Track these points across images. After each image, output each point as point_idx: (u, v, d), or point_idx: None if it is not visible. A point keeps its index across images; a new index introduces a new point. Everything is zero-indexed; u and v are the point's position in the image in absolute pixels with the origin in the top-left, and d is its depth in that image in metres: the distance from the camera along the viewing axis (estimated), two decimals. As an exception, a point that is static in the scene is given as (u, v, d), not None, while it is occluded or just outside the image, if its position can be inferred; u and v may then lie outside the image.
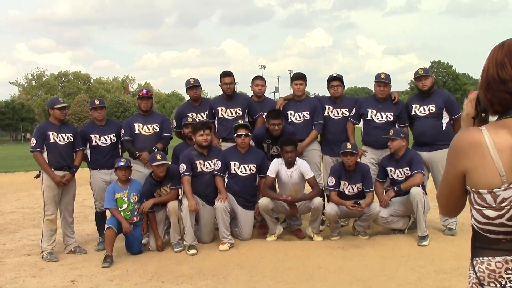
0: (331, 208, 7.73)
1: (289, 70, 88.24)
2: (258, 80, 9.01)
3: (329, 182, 7.93)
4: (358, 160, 8.02)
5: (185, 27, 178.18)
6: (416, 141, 8.23)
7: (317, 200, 7.81)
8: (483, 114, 2.17)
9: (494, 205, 1.98)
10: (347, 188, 7.89)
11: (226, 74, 8.71)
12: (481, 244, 2.07)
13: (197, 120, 8.54)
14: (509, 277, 1.99)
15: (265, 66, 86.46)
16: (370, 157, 8.33)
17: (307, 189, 8.23)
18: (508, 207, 1.96)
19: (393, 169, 7.86)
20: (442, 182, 2.22)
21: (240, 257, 7.26)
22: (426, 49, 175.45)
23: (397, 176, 7.83)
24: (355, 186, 7.87)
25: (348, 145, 7.77)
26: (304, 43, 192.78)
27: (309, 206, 7.83)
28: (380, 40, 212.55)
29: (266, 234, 8.16)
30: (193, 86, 8.76)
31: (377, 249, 7.31)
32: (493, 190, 1.97)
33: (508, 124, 2.01)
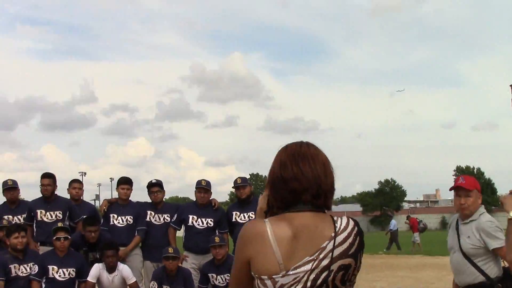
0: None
1: (111, 178, 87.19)
2: (75, 183, 8.95)
3: (151, 286, 7.87)
4: (180, 265, 8.06)
5: (1, 131, 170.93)
6: (237, 247, 8.48)
7: (138, 306, 7.71)
8: (274, 209, 2.36)
9: None
10: (168, 293, 7.86)
11: (45, 176, 8.54)
12: None
13: (14, 223, 8.17)
14: None
15: (85, 173, 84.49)
16: (191, 262, 8.39)
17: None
18: None
19: (214, 275, 7.98)
20: (232, 269, 2.37)
21: None
22: (245, 162, 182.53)
23: (219, 282, 7.96)
24: None
25: (170, 249, 7.83)
26: (126, 152, 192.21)
27: (130, 312, 7.69)
28: (201, 151, 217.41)
29: None
30: (10, 187, 8.49)
31: None
32: (273, 276, 2.15)
33: (288, 218, 2.23)
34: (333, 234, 2.19)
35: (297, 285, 2.14)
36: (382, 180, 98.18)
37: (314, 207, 2.26)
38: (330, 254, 2.16)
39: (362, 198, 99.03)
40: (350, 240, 2.21)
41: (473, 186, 4.99)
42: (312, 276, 2.14)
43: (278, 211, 2.30)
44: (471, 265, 4.80)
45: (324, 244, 2.17)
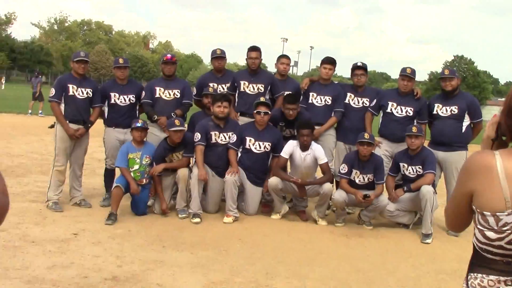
0: (339, 195, 7.73)
1: (311, 46, 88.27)
2: (284, 59, 8.95)
3: (341, 169, 7.91)
4: (373, 151, 7.98)
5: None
6: (434, 140, 8.18)
7: (327, 186, 7.81)
8: (504, 138, 2.18)
9: (495, 228, 2.02)
10: (358, 177, 7.87)
11: (253, 49, 8.66)
12: (478, 261, 2.12)
13: (218, 91, 8.50)
14: None
15: (287, 39, 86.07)
16: (384, 149, 8.29)
17: (318, 173, 8.25)
18: (509, 231, 1.99)
19: (406, 165, 7.84)
20: (451, 198, 2.27)
21: (243, 232, 7.29)
22: (450, 42, 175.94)
23: (409, 172, 7.81)
24: (367, 176, 7.85)
25: (366, 135, 7.74)
26: (329, 21, 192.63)
27: (318, 191, 7.82)
28: (405, 27, 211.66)
29: (271, 212, 8.19)
30: (218, 56, 8.73)
31: (380, 242, 7.31)
32: (497, 213, 2.00)
33: None
34: None
35: None
36: None
37: None
38: None
39: None
40: None
41: None
42: None
43: (510, 142, 2.12)
44: None
45: None
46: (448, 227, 2.37)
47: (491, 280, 2.06)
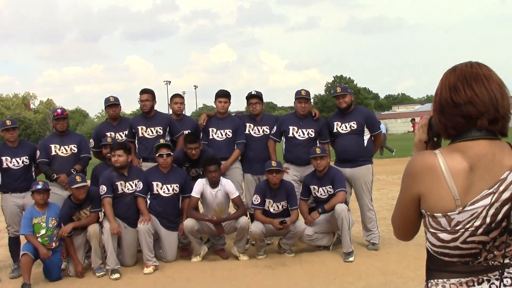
0: (256, 227, 7.65)
1: (195, 86, 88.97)
2: (177, 98, 8.86)
3: (254, 200, 7.86)
4: (282, 178, 7.98)
5: (88, 42, 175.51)
6: (339, 158, 8.30)
7: (243, 220, 7.73)
8: (435, 139, 2.22)
9: (448, 229, 2.01)
10: (272, 206, 7.84)
11: (144, 91, 8.47)
12: (436, 266, 2.09)
13: (117, 140, 8.28)
14: None
15: (170, 82, 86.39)
16: (292, 174, 8.29)
17: (231, 208, 8.17)
18: (463, 230, 1.98)
19: (316, 187, 7.89)
20: (397, 205, 2.23)
21: (166, 280, 7.07)
22: (328, 65, 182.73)
23: (320, 194, 7.87)
24: (280, 204, 7.84)
25: (273, 163, 7.73)
26: (209, 59, 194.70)
27: (235, 226, 7.73)
28: (283, 55, 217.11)
29: (191, 256, 7.99)
30: (112, 104, 8.52)
31: (305, 267, 7.27)
32: (448, 213, 1.99)
33: (462, 148, 2.03)
34: None
35: (474, 222, 1.97)
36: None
37: (489, 134, 2.04)
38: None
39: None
40: None
41: None
42: (492, 210, 1.96)
43: (448, 139, 2.12)
44: None
45: (504, 175, 1.98)
46: (397, 236, 2.31)
47: (453, 284, 2.04)
